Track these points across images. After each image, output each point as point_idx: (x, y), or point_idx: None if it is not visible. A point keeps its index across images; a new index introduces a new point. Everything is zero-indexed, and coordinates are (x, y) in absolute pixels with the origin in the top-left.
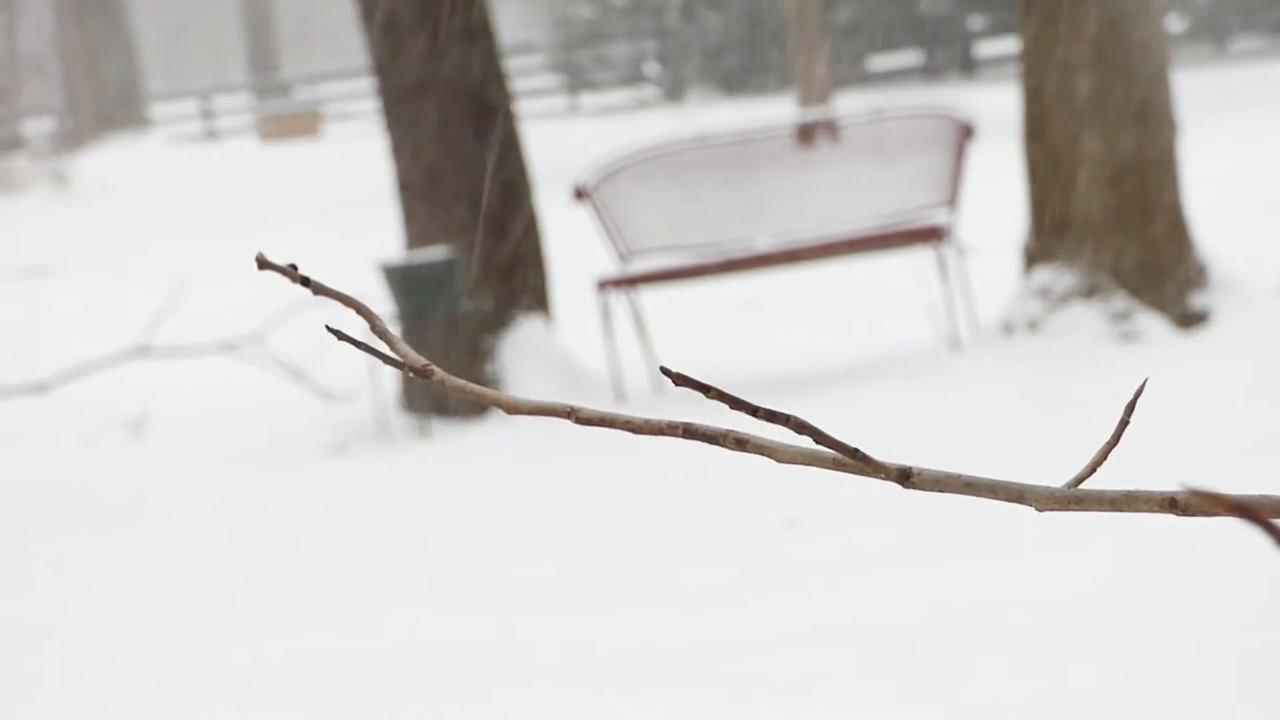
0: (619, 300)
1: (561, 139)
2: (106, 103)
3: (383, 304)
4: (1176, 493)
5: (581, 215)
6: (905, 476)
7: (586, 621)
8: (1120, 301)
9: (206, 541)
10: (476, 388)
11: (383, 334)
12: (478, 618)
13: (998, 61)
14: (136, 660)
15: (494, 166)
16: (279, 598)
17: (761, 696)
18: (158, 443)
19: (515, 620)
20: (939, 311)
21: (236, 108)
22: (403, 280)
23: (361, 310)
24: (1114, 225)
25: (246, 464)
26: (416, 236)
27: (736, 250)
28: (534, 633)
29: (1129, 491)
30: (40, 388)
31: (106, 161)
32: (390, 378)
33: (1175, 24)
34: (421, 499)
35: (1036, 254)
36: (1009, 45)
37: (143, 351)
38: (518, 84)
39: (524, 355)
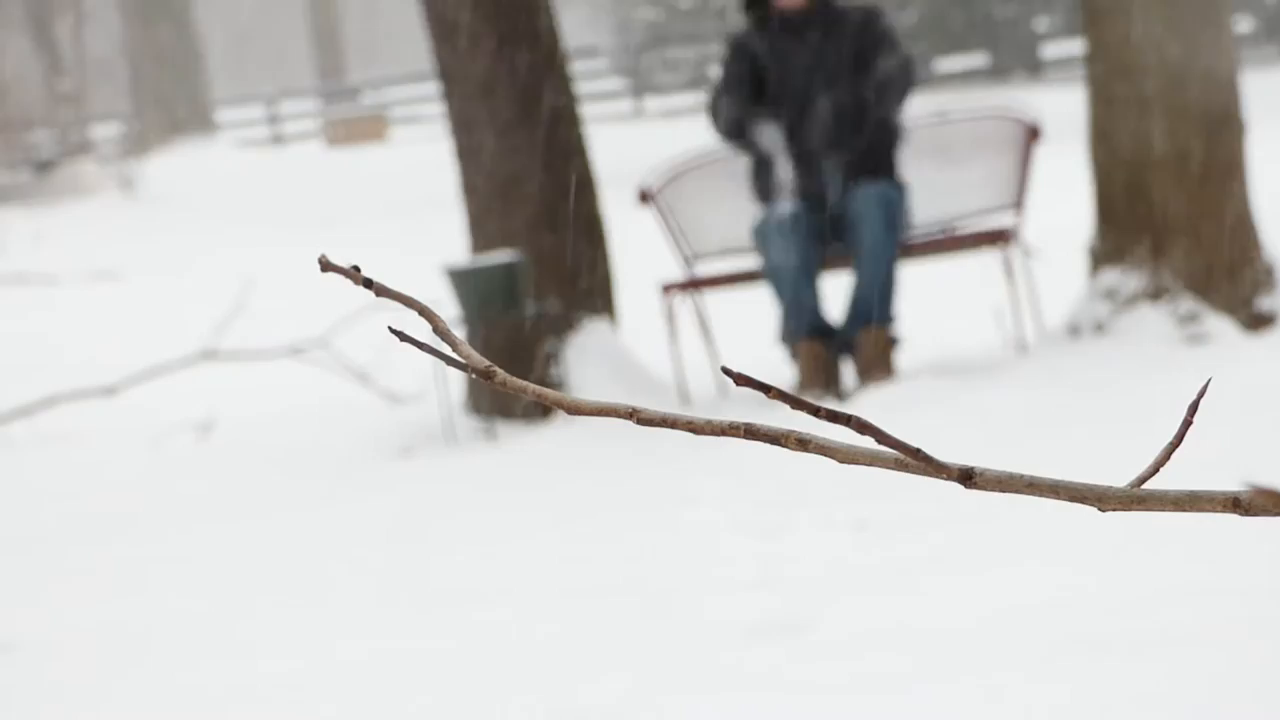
0: (683, 303)
1: (626, 142)
2: (173, 107)
3: (449, 307)
4: (1240, 492)
5: (646, 218)
6: (967, 477)
7: (654, 621)
8: (1187, 303)
9: (274, 543)
10: (538, 388)
11: (445, 335)
12: (549, 619)
13: (1064, 63)
14: (198, 661)
15: (559, 170)
16: (345, 599)
17: (831, 698)
18: (224, 445)
19: (585, 619)
20: (1005, 314)
21: (303, 112)
22: (468, 283)
23: (424, 312)
24: (1181, 227)
25: (313, 466)
26: (482, 239)
27: None
28: (604, 632)
29: (1192, 492)
30: (108, 390)
31: (173, 165)
32: (456, 380)
33: (1242, 24)
34: (488, 501)
35: (1103, 256)
36: (1075, 47)
37: (209, 355)
38: (582, 87)
39: (588, 358)
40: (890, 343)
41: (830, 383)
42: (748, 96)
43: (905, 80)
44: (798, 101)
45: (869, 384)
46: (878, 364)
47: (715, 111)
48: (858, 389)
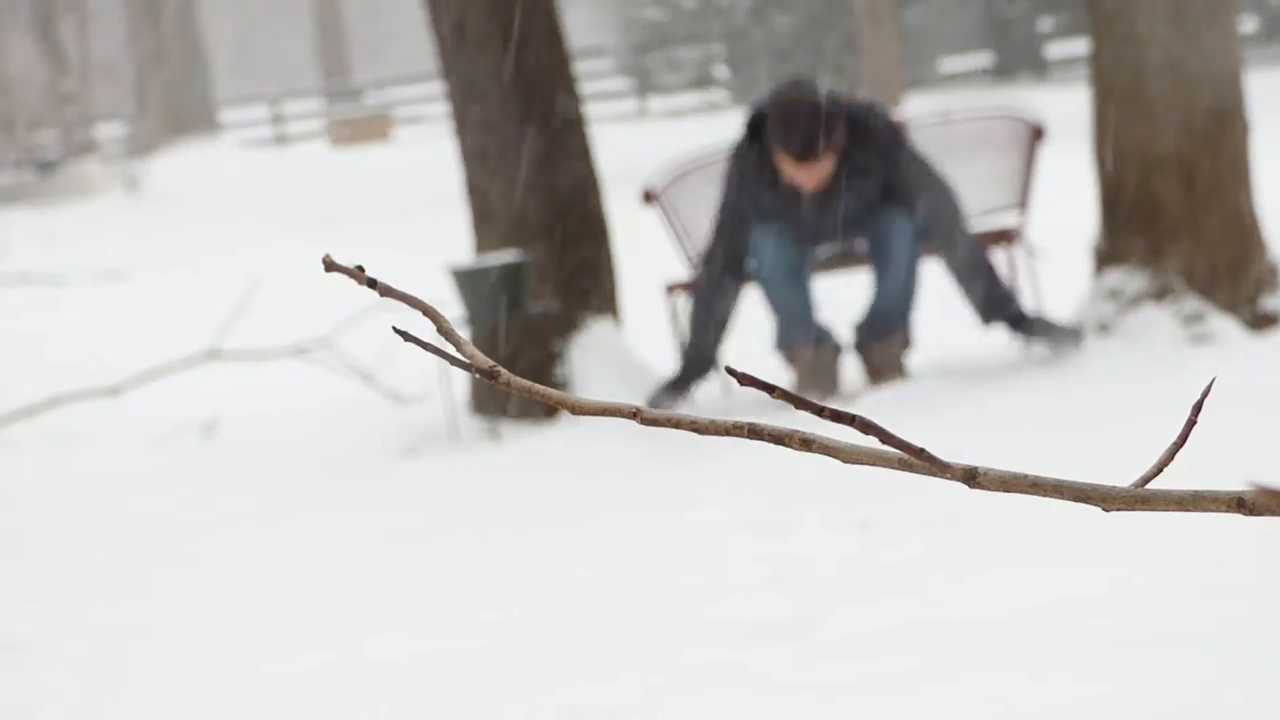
0: (688, 303)
1: (630, 142)
2: (178, 107)
3: (453, 307)
4: (1244, 492)
5: (650, 218)
6: (971, 476)
7: (660, 621)
8: (1192, 303)
9: (277, 544)
10: (542, 388)
11: (449, 335)
12: (554, 619)
13: (1069, 63)
14: (200, 662)
15: (563, 169)
16: (349, 600)
17: (838, 698)
18: (229, 445)
19: (591, 619)
20: None
21: (307, 112)
22: (472, 283)
23: (428, 312)
24: (1185, 227)
25: (317, 466)
26: (486, 240)
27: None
28: (610, 632)
29: (1196, 491)
30: (113, 390)
31: (178, 166)
32: (460, 380)
33: (1246, 24)
34: (492, 501)
35: (1107, 256)
36: (1080, 47)
37: (214, 354)
38: (587, 87)
39: (593, 358)
40: (905, 345)
41: (829, 388)
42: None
43: (982, 263)
44: (809, 229)
45: (879, 384)
46: (890, 368)
47: (699, 299)
48: (866, 389)
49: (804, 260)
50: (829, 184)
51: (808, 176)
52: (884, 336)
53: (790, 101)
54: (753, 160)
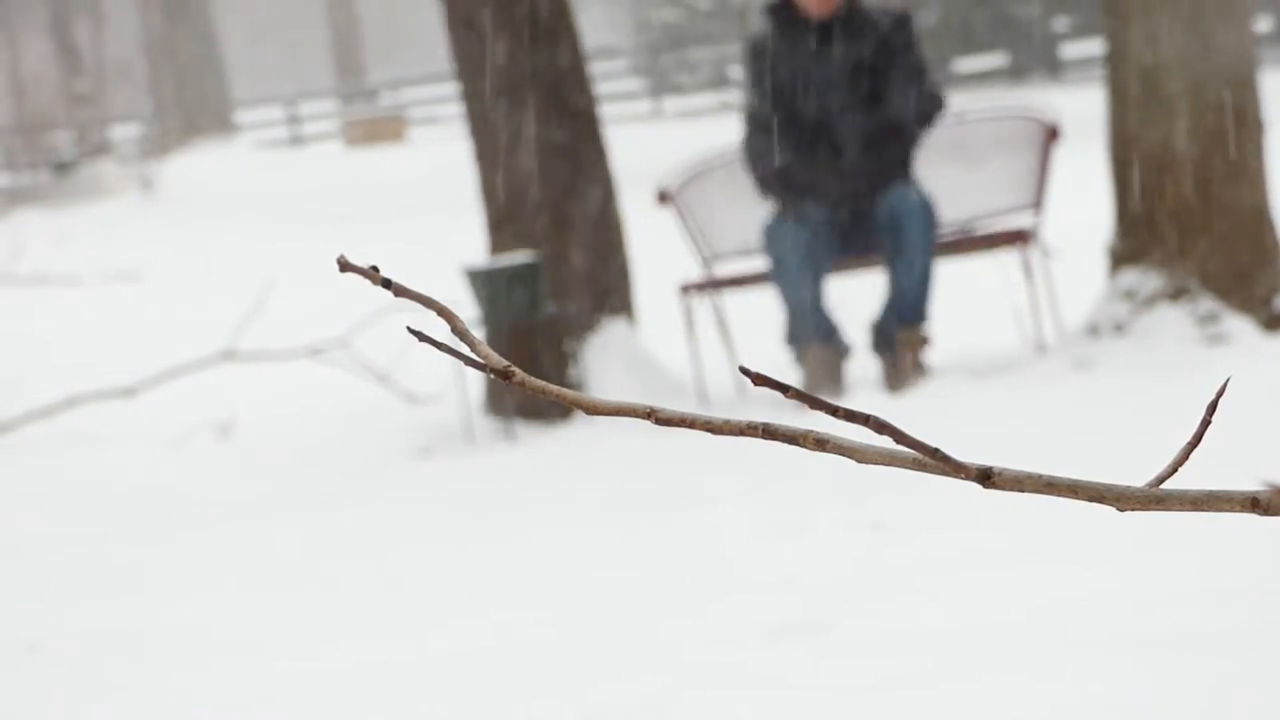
0: (702, 303)
1: (645, 142)
2: (193, 108)
3: (468, 308)
4: (1259, 492)
5: (664, 218)
6: (986, 476)
7: (674, 621)
8: (1207, 303)
9: (292, 543)
10: (556, 389)
11: (464, 336)
12: (568, 619)
13: (1083, 63)
14: (214, 662)
15: (577, 170)
16: (363, 600)
17: (852, 698)
18: (244, 446)
19: (604, 619)
20: (1024, 314)
21: (322, 113)
22: (487, 283)
23: (442, 312)
24: (1201, 226)
25: (333, 467)
26: (501, 240)
27: None
28: (623, 632)
29: (1211, 491)
30: (128, 391)
31: (193, 166)
32: (475, 381)
33: (1261, 24)
34: (506, 501)
35: (1122, 256)
36: (1095, 47)
37: (229, 355)
38: (601, 88)
39: (607, 358)
40: (923, 342)
41: (837, 388)
42: (781, 136)
43: (930, 108)
44: (818, 110)
45: (904, 387)
46: (913, 364)
47: (750, 156)
48: (890, 392)
49: (822, 257)
50: (843, 50)
51: None
52: (905, 322)
53: None
54: (762, 38)
